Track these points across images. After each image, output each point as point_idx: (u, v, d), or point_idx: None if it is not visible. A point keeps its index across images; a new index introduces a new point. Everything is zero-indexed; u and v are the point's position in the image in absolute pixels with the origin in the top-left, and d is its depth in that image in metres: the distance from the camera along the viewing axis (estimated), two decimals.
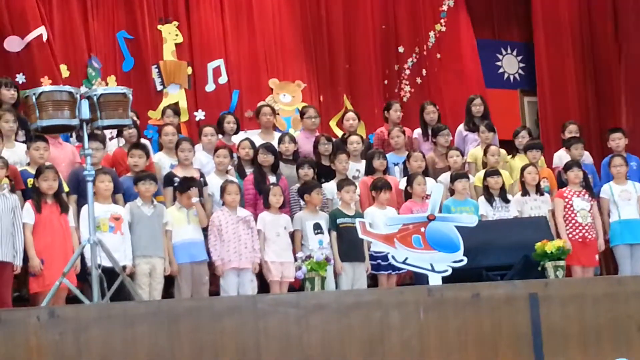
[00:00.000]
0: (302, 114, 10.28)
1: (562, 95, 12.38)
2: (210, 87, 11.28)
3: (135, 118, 9.03)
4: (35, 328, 4.34)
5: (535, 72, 12.84)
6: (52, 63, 10.09)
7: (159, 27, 11.12)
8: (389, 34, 12.50)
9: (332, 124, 11.60)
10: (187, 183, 8.19)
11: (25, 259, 7.19)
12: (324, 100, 11.82)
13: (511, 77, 13.17)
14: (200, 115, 11.10)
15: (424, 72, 12.52)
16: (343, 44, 12.16)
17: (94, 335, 4.42)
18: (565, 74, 12.33)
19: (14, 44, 10.01)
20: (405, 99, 12.33)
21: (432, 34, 12.63)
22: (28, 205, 7.31)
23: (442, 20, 12.72)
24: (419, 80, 12.49)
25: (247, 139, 9.32)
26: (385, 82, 12.38)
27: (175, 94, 11.03)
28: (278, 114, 10.96)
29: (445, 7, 12.76)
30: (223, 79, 11.31)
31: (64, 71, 10.34)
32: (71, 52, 10.56)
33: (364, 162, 9.56)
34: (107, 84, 10.54)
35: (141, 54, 11.02)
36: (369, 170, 9.35)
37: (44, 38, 10.11)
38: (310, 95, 11.65)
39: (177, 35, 11.19)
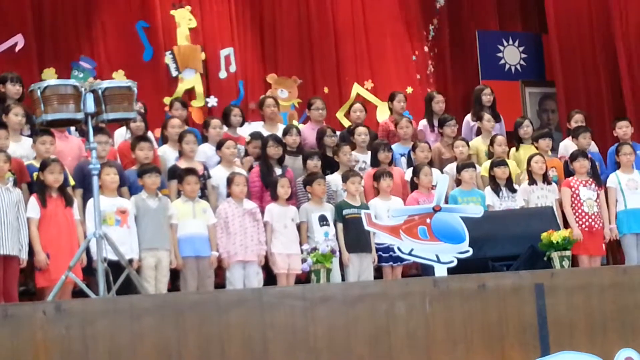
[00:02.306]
0: (309, 105, 10.27)
1: (575, 84, 12.31)
2: (222, 74, 11.29)
3: (142, 110, 9.05)
4: (42, 322, 4.35)
5: (538, 62, 12.82)
6: (26, 72, 10.02)
7: (172, 12, 11.12)
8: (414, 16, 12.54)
9: (340, 115, 11.60)
10: (184, 173, 8.18)
11: (31, 253, 7.20)
12: (330, 92, 11.81)
13: (512, 68, 13.13)
14: (212, 101, 11.09)
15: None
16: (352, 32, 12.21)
17: (101, 329, 4.43)
18: (577, 63, 12.27)
19: None
20: (431, 80, 12.36)
21: (431, 27, 12.67)
22: (33, 199, 7.32)
23: (437, 17, 12.76)
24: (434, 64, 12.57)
25: (259, 135, 9.28)
26: (414, 57, 12.40)
27: (191, 79, 11.04)
28: None
29: (438, 5, 12.79)
30: (233, 67, 11.33)
31: (52, 75, 10.31)
32: (62, 54, 10.58)
33: (370, 153, 9.55)
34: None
35: (156, 42, 11.02)
36: (374, 162, 9.35)
37: (18, 47, 10.11)
38: (306, 90, 11.63)
39: (190, 19, 11.19)
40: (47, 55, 10.50)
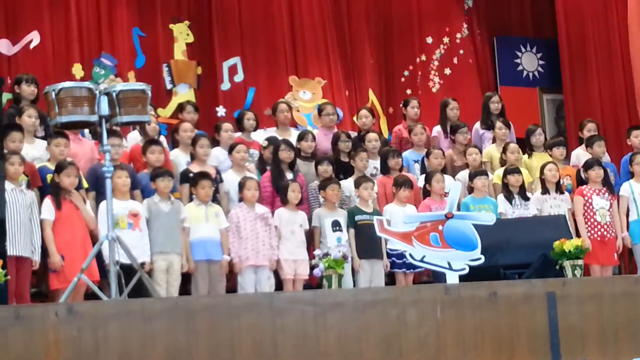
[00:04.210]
0: (320, 111, 10.28)
1: (586, 92, 12.26)
2: (225, 85, 11.30)
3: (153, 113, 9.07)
4: (54, 324, 4.36)
5: (555, 69, 12.78)
6: (41, 70, 10.07)
7: (171, 26, 11.16)
8: (411, 25, 12.51)
9: (356, 118, 11.59)
10: (198, 177, 8.19)
11: (44, 255, 7.23)
12: (350, 96, 11.79)
13: (530, 74, 13.11)
14: (221, 111, 11.09)
15: (455, 60, 12.55)
16: (367, 37, 12.19)
17: (112, 331, 4.44)
18: (591, 70, 12.22)
19: (6, 47, 10.06)
20: (434, 90, 12.33)
21: (465, 26, 12.65)
22: (48, 201, 7.34)
23: (465, 19, 12.74)
24: (447, 71, 12.49)
25: (276, 140, 9.29)
26: (406, 72, 12.39)
27: (185, 94, 11.04)
28: (298, 110, 10.96)
29: (466, 6, 12.78)
30: (239, 77, 11.33)
31: (79, 71, 10.38)
32: (85, 51, 10.63)
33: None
34: (127, 80, 10.60)
35: (153, 52, 11.08)
36: (384, 169, 9.34)
37: (33, 45, 10.15)
38: (332, 91, 11.62)
39: (188, 34, 11.22)
40: (71, 52, 10.54)
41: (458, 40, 12.65)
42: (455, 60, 12.59)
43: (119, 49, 10.86)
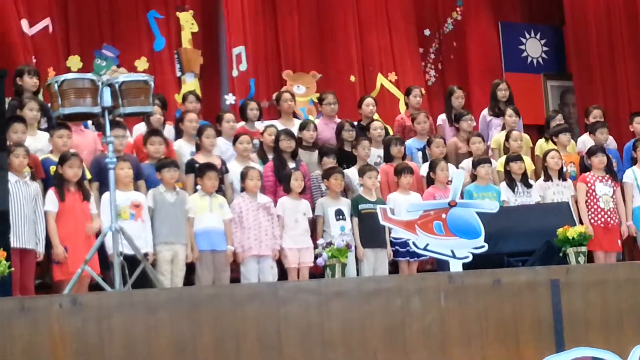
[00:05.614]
0: (321, 100, 10.25)
1: (591, 78, 12.23)
2: (234, 72, 11.29)
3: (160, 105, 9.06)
4: (58, 315, 4.38)
5: (559, 55, 12.77)
6: (56, 55, 10.10)
7: (177, 14, 11.15)
8: (417, 17, 12.51)
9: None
10: (205, 168, 8.20)
11: (48, 246, 7.24)
12: (357, 80, 11.74)
13: (534, 60, 13.08)
14: (230, 99, 11.06)
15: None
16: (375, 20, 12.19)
17: (116, 323, 4.46)
18: (594, 56, 12.18)
19: (27, 27, 10.07)
20: (429, 83, 12.33)
21: (449, 20, 12.61)
22: (51, 192, 7.35)
23: (457, 9, 12.68)
24: (439, 65, 12.49)
25: (272, 125, 9.32)
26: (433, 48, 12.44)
27: (191, 82, 11.04)
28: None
29: None
30: (243, 66, 11.31)
31: (77, 62, 10.38)
32: (85, 42, 10.62)
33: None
34: (134, 68, 10.60)
35: (169, 36, 11.08)
36: (387, 157, 9.34)
37: (50, 30, 10.16)
38: (328, 82, 11.57)
39: (192, 24, 11.20)
40: (71, 43, 10.55)
41: (451, 26, 12.64)
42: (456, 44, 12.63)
43: (127, 36, 10.85)
